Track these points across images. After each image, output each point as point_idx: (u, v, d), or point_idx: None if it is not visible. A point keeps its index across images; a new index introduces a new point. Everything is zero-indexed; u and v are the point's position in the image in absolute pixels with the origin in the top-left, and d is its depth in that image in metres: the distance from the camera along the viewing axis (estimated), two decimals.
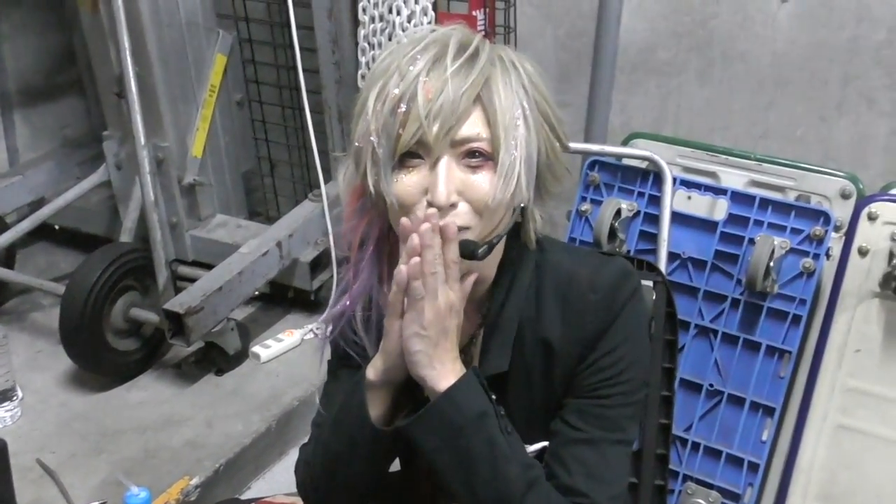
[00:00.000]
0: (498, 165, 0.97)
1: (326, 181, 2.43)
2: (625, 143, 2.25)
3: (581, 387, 1.07)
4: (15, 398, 2.04)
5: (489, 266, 1.06)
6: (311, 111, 2.38)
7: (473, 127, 0.97)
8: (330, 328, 1.14)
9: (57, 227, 2.77)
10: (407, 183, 0.98)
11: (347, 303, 1.10)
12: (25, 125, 2.89)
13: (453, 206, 0.98)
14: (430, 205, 0.97)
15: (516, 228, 1.06)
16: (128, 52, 2.09)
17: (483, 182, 0.98)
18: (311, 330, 2.39)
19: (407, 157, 0.97)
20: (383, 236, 1.08)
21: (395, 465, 1.23)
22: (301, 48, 2.35)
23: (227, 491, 1.87)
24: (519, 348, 1.08)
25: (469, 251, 0.99)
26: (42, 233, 2.78)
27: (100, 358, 2.12)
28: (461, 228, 0.98)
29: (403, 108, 0.95)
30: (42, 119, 2.93)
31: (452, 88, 0.95)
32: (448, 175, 0.97)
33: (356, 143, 1.00)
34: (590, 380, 1.06)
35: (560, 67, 2.41)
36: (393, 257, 1.08)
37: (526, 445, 1.08)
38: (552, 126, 1.03)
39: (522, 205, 1.02)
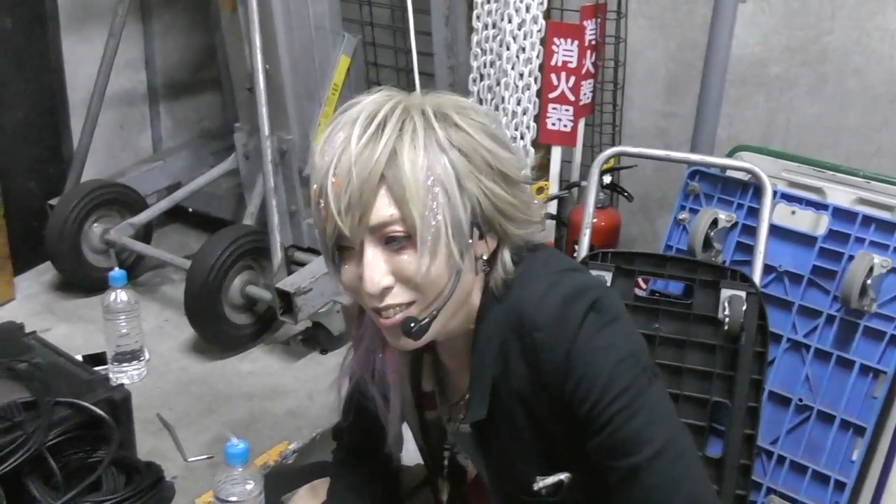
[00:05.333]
0: (418, 243, 0.96)
1: None
2: (730, 155, 2.26)
3: (582, 425, 1.01)
4: (142, 359, 2.24)
5: (462, 322, 1.06)
6: None
7: (384, 210, 0.95)
8: (345, 386, 1.21)
9: (190, 209, 3.00)
10: (347, 273, 1.00)
11: (355, 367, 1.16)
12: (168, 117, 3.16)
13: (388, 288, 0.98)
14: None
15: (487, 277, 1.05)
16: (258, 50, 2.27)
17: (409, 262, 0.96)
18: None
19: (341, 248, 0.99)
20: None
21: None
22: (419, 53, 2.48)
23: (322, 457, 1.99)
24: (497, 400, 1.07)
25: (407, 330, 1.00)
26: (176, 215, 3.03)
27: (217, 329, 2.31)
28: (403, 305, 0.99)
29: (322, 204, 0.97)
30: (183, 111, 3.19)
31: (357, 177, 0.94)
32: (373, 263, 0.97)
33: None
34: (580, 414, 1.00)
35: (669, 79, 2.45)
36: None
37: (541, 479, 1.08)
38: (494, 174, 0.99)
39: (460, 269, 0.99)
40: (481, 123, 1.00)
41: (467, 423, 1.13)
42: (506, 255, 1.05)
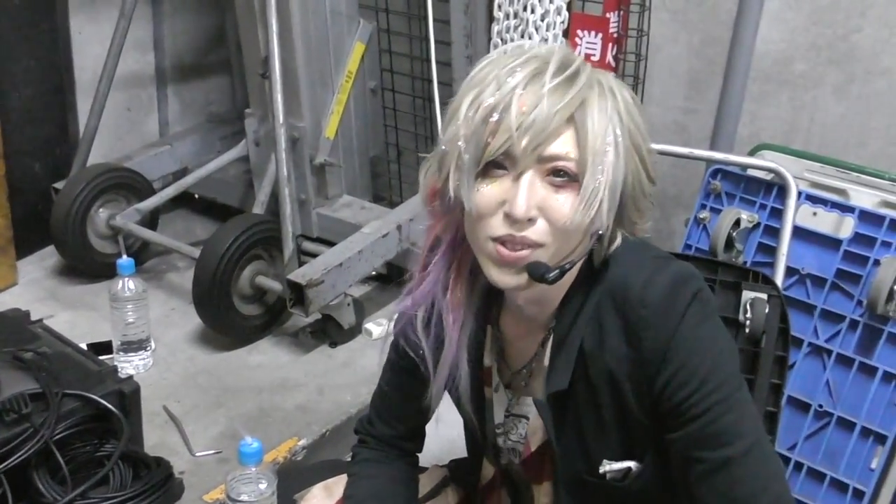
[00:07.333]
0: (581, 188, 0.97)
1: None
2: (752, 153, 2.22)
3: (673, 413, 1.02)
4: (149, 348, 2.19)
5: (558, 288, 1.06)
6: (441, 103, 2.46)
7: (563, 146, 0.97)
8: (392, 325, 1.18)
9: (196, 195, 2.95)
10: (487, 193, 0.98)
11: (409, 303, 1.12)
12: (176, 100, 3.09)
13: (531, 220, 0.97)
14: (506, 217, 0.97)
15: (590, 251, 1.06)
16: (275, 35, 2.22)
17: (564, 202, 0.97)
18: None
19: (492, 166, 0.98)
20: (456, 243, 1.09)
21: None
22: (435, 41, 2.43)
23: (332, 454, 1.96)
24: (582, 373, 1.07)
25: (539, 274, 0.99)
26: (181, 200, 2.96)
27: (225, 319, 2.26)
28: (536, 245, 0.98)
29: (496, 117, 0.95)
30: (191, 95, 3.13)
31: (547, 104, 0.95)
32: (530, 189, 0.96)
33: (443, 147, 1.01)
34: (675, 401, 1.01)
35: (691, 74, 2.40)
36: (462, 266, 1.10)
37: (608, 462, 1.09)
38: (642, 158, 1.02)
39: (600, 231, 1.01)
40: (640, 113, 1.04)
41: (535, 393, 1.14)
42: (617, 236, 1.06)
